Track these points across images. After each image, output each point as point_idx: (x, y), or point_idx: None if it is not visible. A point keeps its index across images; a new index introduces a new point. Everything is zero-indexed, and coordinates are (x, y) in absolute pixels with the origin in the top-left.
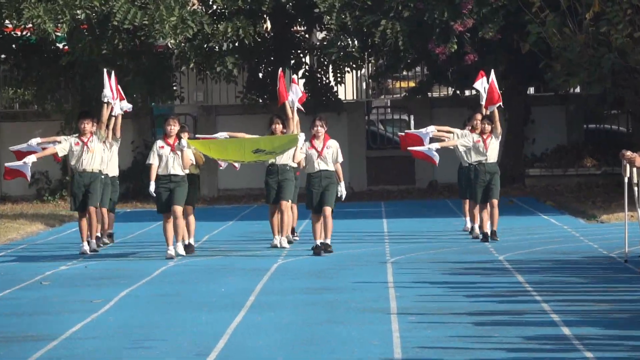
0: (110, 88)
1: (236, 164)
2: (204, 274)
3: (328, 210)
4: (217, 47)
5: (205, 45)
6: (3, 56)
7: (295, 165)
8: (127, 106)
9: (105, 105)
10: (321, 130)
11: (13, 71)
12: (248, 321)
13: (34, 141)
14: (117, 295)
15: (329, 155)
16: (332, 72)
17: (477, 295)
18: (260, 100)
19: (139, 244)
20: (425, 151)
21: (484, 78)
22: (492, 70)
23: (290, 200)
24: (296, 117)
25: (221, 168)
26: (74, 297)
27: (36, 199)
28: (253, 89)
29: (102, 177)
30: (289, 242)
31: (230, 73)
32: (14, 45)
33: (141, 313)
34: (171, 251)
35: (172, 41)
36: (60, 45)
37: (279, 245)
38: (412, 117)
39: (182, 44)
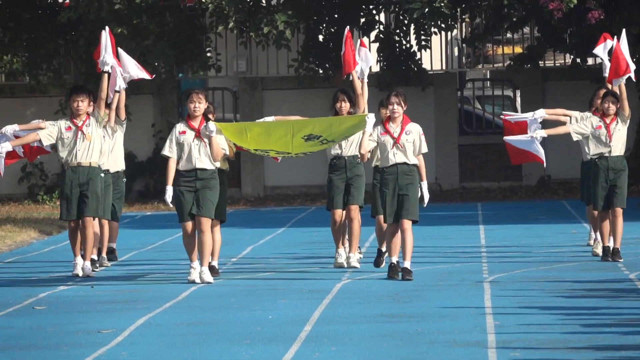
0: (114, 52)
1: (277, 156)
2: (246, 297)
3: (408, 224)
4: (264, 1)
5: None
6: None
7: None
8: (137, 75)
9: (106, 76)
10: (398, 109)
11: None
12: (302, 358)
13: (9, 128)
14: (132, 325)
15: (409, 143)
16: (414, 33)
17: (601, 325)
18: (321, 71)
19: (160, 260)
20: (526, 147)
21: (608, 41)
22: (624, 31)
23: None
24: (366, 93)
25: (277, 162)
26: (76, 327)
27: (28, 199)
28: (311, 56)
29: (102, 174)
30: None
31: (281, 35)
32: None
33: (163, 347)
34: (194, 274)
35: None
36: None
37: (345, 265)
38: (518, 93)
39: None
